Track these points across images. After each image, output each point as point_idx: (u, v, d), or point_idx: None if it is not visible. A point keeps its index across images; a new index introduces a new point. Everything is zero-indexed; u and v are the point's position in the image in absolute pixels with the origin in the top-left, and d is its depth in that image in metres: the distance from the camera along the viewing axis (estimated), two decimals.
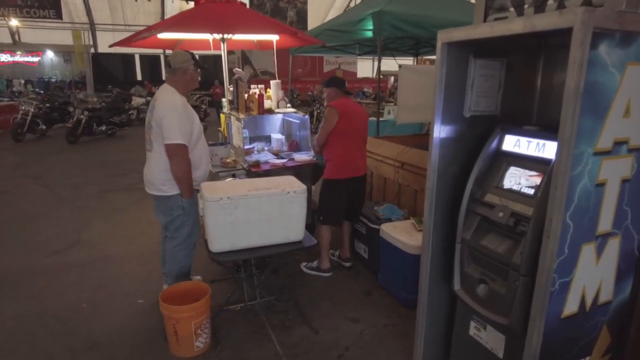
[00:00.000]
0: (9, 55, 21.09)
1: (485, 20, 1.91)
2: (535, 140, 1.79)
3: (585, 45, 1.35)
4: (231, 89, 4.08)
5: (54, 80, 20.94)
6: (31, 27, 19.82)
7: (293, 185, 2.67)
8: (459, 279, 2.05)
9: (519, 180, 1.84)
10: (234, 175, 3.50)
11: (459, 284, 2.06)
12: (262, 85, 4.18)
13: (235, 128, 3.95)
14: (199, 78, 3.07)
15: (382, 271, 3.47)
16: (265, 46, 4.91)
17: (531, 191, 1.77)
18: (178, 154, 2.82)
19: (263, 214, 2.56)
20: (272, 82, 4.08)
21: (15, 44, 20.30)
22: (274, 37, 4.44)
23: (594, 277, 1.72)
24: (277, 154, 4.04)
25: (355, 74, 25.59)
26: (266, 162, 3.75)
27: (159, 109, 2.83)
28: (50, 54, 21.95)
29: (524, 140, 1.84)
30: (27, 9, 18.75)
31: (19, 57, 21.27)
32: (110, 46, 4.28)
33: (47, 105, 10.99)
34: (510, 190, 1.85)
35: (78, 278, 3.71)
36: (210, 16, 3.87)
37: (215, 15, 3.88)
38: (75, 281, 3.65)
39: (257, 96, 3.81)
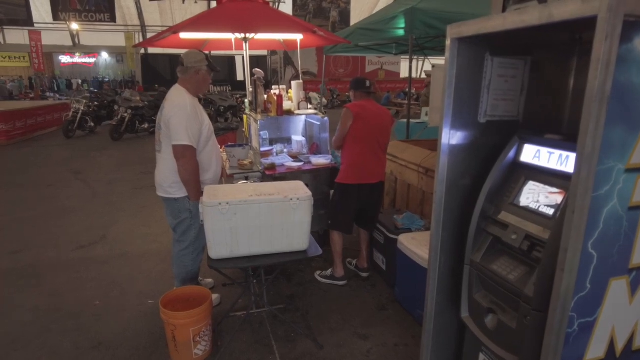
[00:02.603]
0: (69, 56, 22.56)
1: (504, 11, 1.67)
2: (557, 152, 1.53)
3: (613, 37, 1.09)
4: (251, 89, 3.99)
5: (107, 80, 22.15)
6: (88, 30, 21.06)
7: (298, 192, 2.52)
8: (467, 306, 1.81)
9: (537, 197, 1.59)
10: (247, 178, 3.41)
11: (467, 311, 1.82)
12: (284, 87, 4.07)
13: (254, 129, 3.87)
14: (211, 80, 3.01)
15: (399, 285, 3.24)
16: (290, 45, 4.80)
17: (551, 211, 1.51)
18: (185, 156, 2.76)
19: (264, 221, 2.43)
20: (293, 83, 3.96)
21: (74, 46, 21.68)
22: (297, 36, 4.32)
23: (626, 317, 1.43)
24: (295, 157, 3.92)
25: (398, 74, 25.11)
26: (282, 165, 3.64)
27: (167, 110, 2.78)
28: (104, 55, 23.24)
29: (544, 151, 1.58)
30: (86, 14, 19.92)
31: (77, 59, 22.69)
32: (134, 46, 4.34)
33: (96, 103, 11.57)
34: (526, 209, 1.60)
35: (97, 274, 3.77)
36: (231, 15, 3.80)
37: (235, 14, 3.81)
38: (94, 277, 3.72)
39: (276, 97, 3.70)
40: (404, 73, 23.51)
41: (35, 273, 3.79)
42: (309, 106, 4.01)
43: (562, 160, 1.51)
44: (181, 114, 2.73)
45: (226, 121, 11.66)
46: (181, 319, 2.53)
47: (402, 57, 12.60)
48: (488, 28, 1.48)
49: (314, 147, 4.10)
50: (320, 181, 3.72)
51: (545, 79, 1.84)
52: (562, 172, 1.50)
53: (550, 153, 1.55)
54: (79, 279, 3.68)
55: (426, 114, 8.65)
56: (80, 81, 20.64)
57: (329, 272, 3.52)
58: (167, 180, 2.86)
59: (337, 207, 3.40)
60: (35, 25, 20.28)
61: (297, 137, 4.18)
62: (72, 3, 19.90)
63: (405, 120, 5.92)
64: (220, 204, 2.35)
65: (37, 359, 2.69)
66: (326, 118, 3.83)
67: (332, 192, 3.81)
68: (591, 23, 1.13)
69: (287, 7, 20.66)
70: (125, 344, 2.81)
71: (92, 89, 18.41)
